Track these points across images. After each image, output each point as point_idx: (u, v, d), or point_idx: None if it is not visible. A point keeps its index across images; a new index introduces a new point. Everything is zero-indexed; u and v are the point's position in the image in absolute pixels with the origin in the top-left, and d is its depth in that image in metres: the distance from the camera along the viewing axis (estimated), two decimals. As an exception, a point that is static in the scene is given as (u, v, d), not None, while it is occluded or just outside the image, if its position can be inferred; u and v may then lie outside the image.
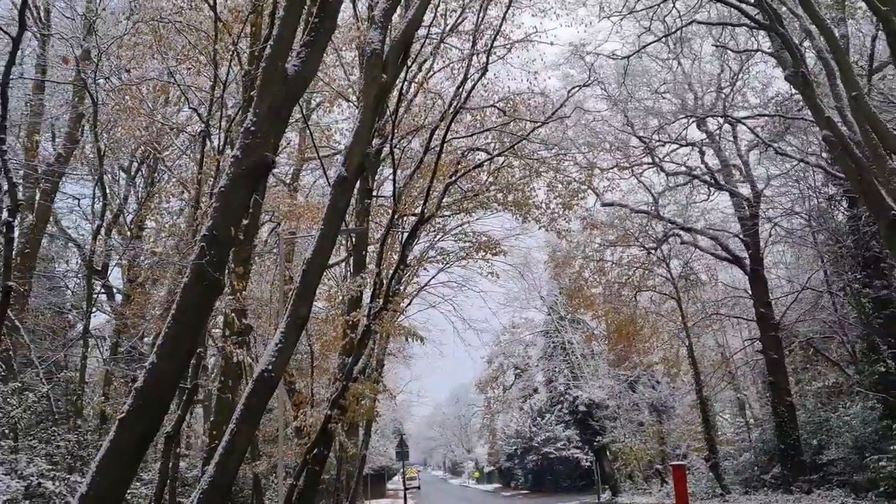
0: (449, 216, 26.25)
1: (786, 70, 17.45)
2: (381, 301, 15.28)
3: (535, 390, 59.22)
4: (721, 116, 25.35)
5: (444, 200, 19.42)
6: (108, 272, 23.85)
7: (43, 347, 19.70)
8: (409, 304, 28.58)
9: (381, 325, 16.15)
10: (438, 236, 26.46)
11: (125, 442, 5.56)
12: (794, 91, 21.80)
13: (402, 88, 17.64)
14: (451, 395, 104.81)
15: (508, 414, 63.78)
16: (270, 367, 8.05)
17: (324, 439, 16.40)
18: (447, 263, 29.81)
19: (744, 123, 24.88)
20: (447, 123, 14.70)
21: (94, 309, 26.58)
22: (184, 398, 9.84)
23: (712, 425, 28.41)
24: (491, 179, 22.84)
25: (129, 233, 24.17)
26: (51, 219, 20.65)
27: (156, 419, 5.81)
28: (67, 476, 10.90)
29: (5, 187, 7.35)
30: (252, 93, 7.01)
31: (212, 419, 12.18)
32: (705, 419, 27.61)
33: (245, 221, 10.91)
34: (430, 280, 30.44)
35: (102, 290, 25.20)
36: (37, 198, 16.91)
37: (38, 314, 20.89)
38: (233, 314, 10.77)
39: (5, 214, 7.44)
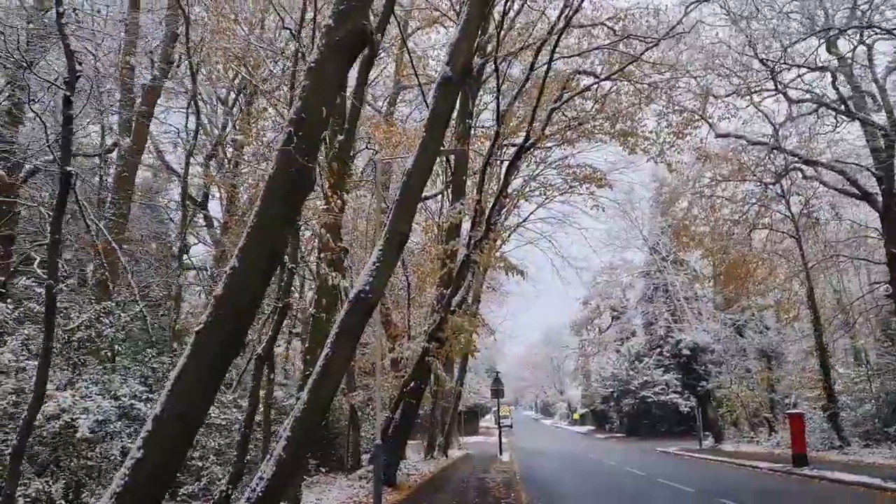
0: (551, 147, 25.01)
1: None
2: (483, 229, 14.43)
3: (633, 333, 57.71)
4: (867, 28, 22.58)
5: (546, 130, 18.28)
6: (206, 200, 23.97)
7: (148, 276, 19.97)
8: (508, 238, 27.64)
9: (481, 256, 15.34)
10: (539, 168, 25.25)
11: (203, 356, 4.91)
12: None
13: (504, 9, 16.41)
14: (544, 335, 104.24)
15: (604, 356, 62.61)
16: (367, 288, 7.33)
17: (421, 372, 15.93)
18: (547, 199, 28.69)
19: (892, 34, 22.05)
20: (557, 36, 13.39)
21: (195, 241, 27.09)
22: (275, 318, 9.29)
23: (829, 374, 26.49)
24: (597, 107, 21.39)
25: (226, 162, 24.13)
26: (150, 146, 20.62)
27: (237, 331, 5.12)
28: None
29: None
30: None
31: (307, 345, 11.72)
32: (824, 366, 25.74)
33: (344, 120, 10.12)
34: (529, 215, 29.42)
35: (202, 222, 25.49)
36: (133, 123, 16.66)
37: (142, 243, 21.12)
38: (328, 235, 10.12)
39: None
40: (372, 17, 15.39)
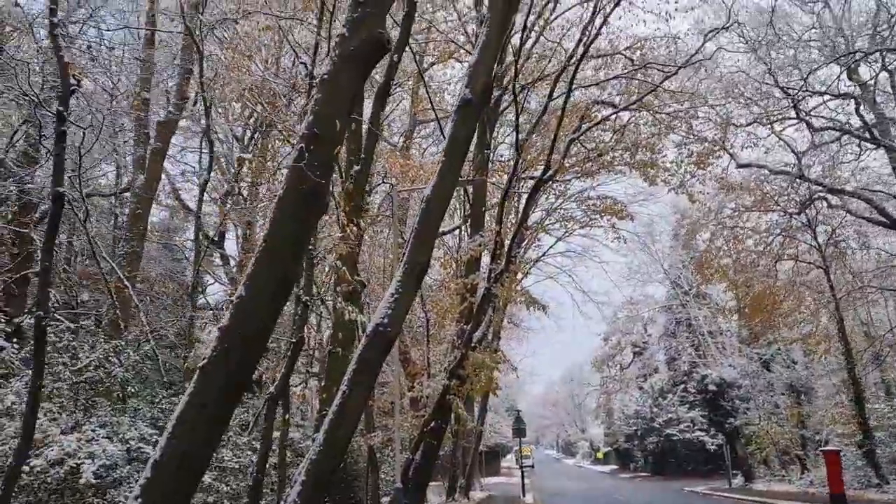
0: (570, 180, 24.73)
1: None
2: (503, 262, 14.00)
3: (656, 369, 56.62)
4: (890, 51, 22.17)
5: (565, 162, 17.96)
6: (223, 238, 23.80)
7: (163, 316, 19.64)
8: (528, 274, 27.16)
9: (502, 290, 14.89)
10: (559, 201, 24.90)
11: (208, 394, 4.45)
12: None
13: (522, 38, 16.19)
14: (564, 373, 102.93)
15: (627, 394, 61.40)
16: (386, 321, 6.92)
17: (441, 411, 15.35)
18: (567, 232, 28.33)
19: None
20: (576, 64, 13.09)
21: (211, 280, 26.89)
22: (289, 354, 8.86)
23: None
24: (617, 137, 21.09)
25: (242, 200, 23.96)
26: (166, 185, 20.45)
27: (245, 366, 4.68)
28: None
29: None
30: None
31: (323, 383, 11.26)
32: (859, 401, 24.84)
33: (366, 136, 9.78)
34: (549, 249, 28.98)
35: (219, 261, 25.29)
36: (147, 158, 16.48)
37: (156, 281, 20.86)
38: (344, 267, 9.73)
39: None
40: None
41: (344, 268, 9.78)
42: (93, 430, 9.04)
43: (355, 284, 10.09)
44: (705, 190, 24.28)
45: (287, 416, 9.31)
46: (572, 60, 13.41)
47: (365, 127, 10.78)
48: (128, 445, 9.17)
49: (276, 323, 4.96)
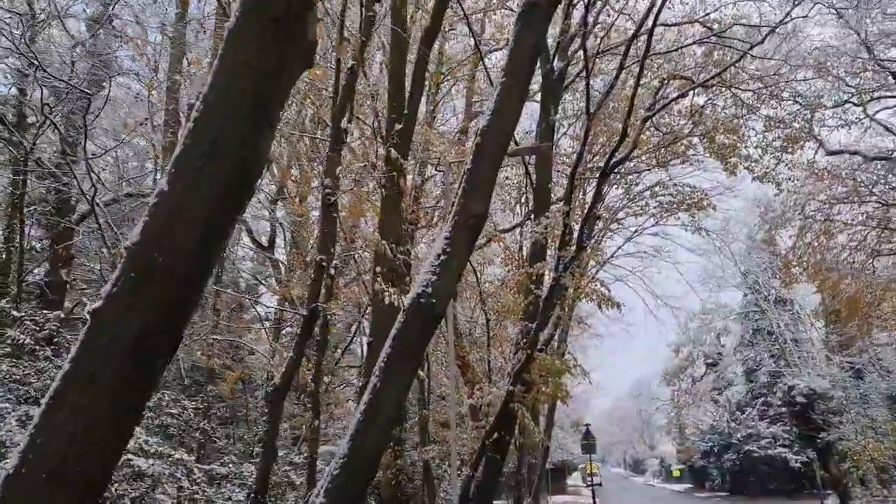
0: (641, 172, 22.78)
1: None
2: (573, 249, 12.15)
3: (731, 382, 53.33)
4: None
5: (638, 147, 16.12)
6: (272, 244, 22.91)
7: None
8: (600, 266, 25.15)
9: (572, 282, 13.03)
10: (631, 193, 22.93)
11: (103, 358, 2.63)
12: None
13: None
14: (632, 387, 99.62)
15: (700, 408, 58.13)
16: (429, 290, 5.19)
17: (505, 422, 13.54)
18: (637, 231, 26.35)
19: None
20: (658, 11, 11.24)
21: (263, 290, 25.91)
22: (297, 334, 7.14)
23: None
24: (695, 120, 19.13)
25: (294, 204, 22.78)
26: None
27: (170, 310, 2.68)
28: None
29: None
30: None
31: (361, 382, 9.58)
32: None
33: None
34: (617, 250, 26.94)
35: (269, 268, 24.23)
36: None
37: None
38: (383, 242, 8.03)
39: None
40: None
41: (384, 243, 8.07)
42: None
43: (398, 262, 8.40)
44: (794, 176, 21.89)
45: (316, 423, 7.55)
46: (652, 11, 11.54)
47: (409, 80, 9.17)
48: (127, 457, 7.63)
49: (225, 241, 3.13)
